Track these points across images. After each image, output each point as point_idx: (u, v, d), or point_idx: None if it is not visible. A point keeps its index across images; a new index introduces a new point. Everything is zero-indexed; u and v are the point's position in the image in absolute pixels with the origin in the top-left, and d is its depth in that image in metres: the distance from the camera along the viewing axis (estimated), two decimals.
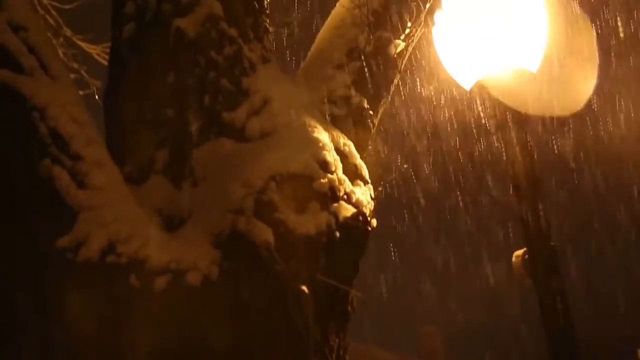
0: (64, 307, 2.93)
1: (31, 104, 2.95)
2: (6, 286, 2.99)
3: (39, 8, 6.00)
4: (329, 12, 4.01)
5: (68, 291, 2.93)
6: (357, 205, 3.32)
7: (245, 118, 3.44)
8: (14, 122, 2.96)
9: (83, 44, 6.51)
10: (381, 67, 3.79)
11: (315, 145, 3.30)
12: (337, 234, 3.23)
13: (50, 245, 2.92)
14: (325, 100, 3.65)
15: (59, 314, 2.93)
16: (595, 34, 3.26)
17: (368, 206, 3.38)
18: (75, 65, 6.50)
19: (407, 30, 3.85)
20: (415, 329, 13.35)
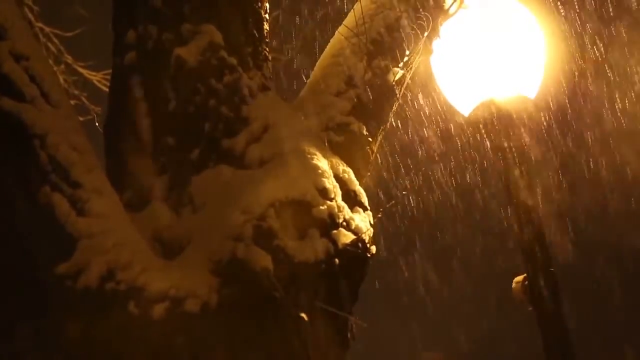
0: (63, 335, 2.92)
1: (32, 131, 2.96)
2: (5, 313, 2.99)
3: (40, 36, 6.06)
4: (328, 40, 4.05)
5: (67, 318, 2.93)
6: (356, 231, 3.32)
7: (245, 145, 3.45)
8: (15, 150, 2.97)
9: (84, 71, 6.56)
10: (380, 94, 3.82)
11: (314, 172, 3.30)
12: (337, 260, 3.22)
13: (50, 273, 2.92)
14: (325, 127, 3.66)
15: (58, 341, 2.92)
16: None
17: (367, 233, 3.37)
18: (76, 92, 6.55)
19: (406, 58, 3.88)
20: (419, 355, 13.26)
